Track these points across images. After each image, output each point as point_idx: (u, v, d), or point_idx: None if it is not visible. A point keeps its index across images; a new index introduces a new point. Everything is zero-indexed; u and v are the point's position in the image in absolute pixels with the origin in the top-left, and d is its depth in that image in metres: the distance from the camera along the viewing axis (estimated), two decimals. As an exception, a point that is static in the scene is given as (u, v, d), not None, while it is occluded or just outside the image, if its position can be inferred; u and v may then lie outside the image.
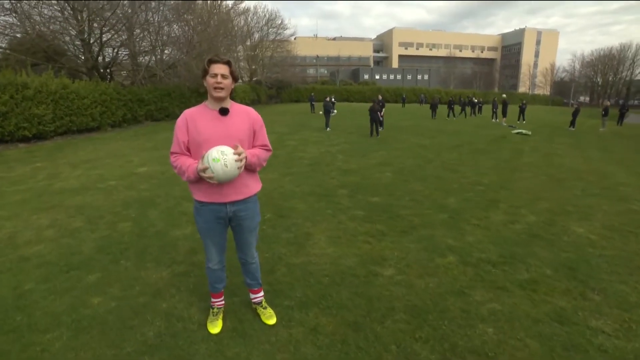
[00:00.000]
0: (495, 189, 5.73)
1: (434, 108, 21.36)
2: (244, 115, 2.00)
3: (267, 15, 35.61)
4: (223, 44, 20.78)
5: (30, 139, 10.38)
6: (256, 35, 34.58)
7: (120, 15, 14.50)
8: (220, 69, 1.85)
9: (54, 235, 3.74)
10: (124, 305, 2.47)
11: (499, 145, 10.79)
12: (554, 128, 17.24)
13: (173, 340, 2.12)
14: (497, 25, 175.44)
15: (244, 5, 30.71)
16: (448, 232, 3.86)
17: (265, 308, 2.36)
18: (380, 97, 13.55)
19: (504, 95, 21.48)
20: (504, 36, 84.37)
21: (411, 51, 78.17)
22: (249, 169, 1.97)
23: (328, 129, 13.76)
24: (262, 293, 2.39)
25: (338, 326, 2.26)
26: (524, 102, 20.52)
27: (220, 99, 1.91)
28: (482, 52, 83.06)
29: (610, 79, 57.22)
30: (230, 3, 26.12)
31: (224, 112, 1.93)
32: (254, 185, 2.08)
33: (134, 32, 15.69)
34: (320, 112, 18.65)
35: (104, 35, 14.73)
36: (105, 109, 13.30)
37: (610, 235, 3.80)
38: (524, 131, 14.40)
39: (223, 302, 2.33)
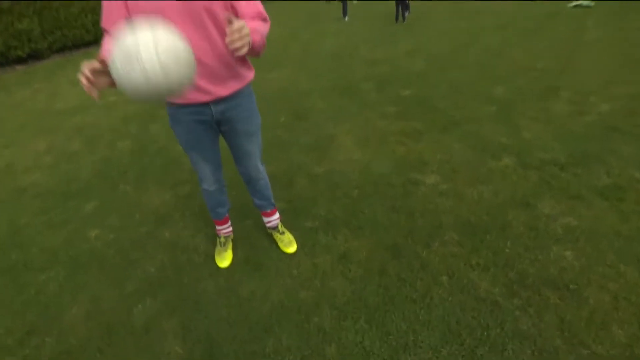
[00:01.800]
0: (553, 73, 4.68)
1: None
2: None
3: None
4: None
5: (26, 60, 9.73)
6: None
7: None
8: None
9: (52, 162, 3.41)
10: (123, 237, 2.17)
11: (554, 22, 8.90)
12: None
13: (177, 276, 1.82)
14: None
15: None
16: (499, 128, 3.16)
17: (282, 233, 1.96)
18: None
19: None
20: None
21: None
22: (251, 54, 1.22)
23: (346, 18, 11.95)
24: (277, 215, 1.96)
25: (373, 251, 1.85)
26: None
27: None
28: None
29: None
30: None
31: None
32: (244, 74, 1.43)
33: None
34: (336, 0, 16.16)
35: None
36: (97, 17, 11.99)
37: None
38: (584, 3, 11.82)
39: (230, 228, 1.94)
